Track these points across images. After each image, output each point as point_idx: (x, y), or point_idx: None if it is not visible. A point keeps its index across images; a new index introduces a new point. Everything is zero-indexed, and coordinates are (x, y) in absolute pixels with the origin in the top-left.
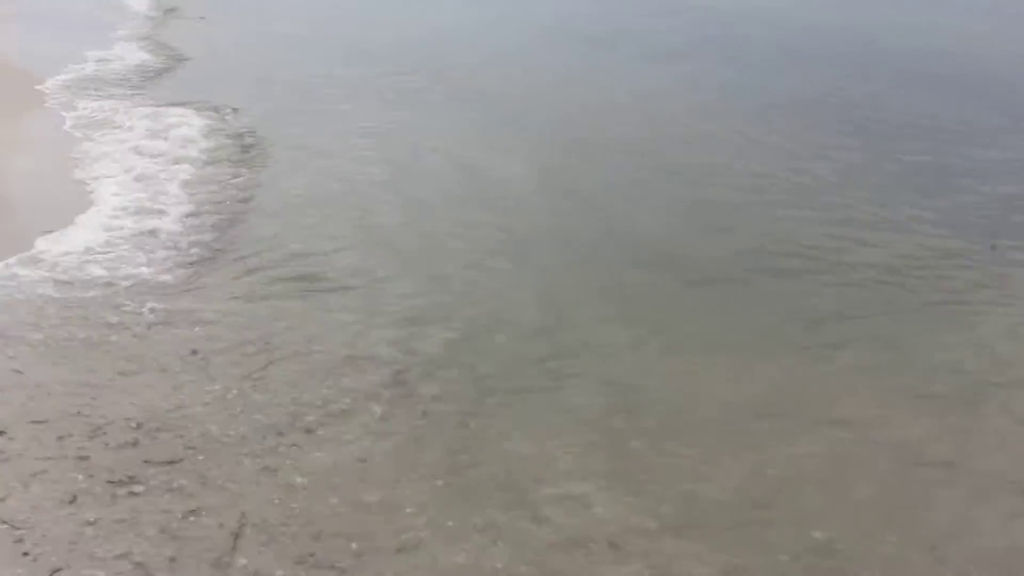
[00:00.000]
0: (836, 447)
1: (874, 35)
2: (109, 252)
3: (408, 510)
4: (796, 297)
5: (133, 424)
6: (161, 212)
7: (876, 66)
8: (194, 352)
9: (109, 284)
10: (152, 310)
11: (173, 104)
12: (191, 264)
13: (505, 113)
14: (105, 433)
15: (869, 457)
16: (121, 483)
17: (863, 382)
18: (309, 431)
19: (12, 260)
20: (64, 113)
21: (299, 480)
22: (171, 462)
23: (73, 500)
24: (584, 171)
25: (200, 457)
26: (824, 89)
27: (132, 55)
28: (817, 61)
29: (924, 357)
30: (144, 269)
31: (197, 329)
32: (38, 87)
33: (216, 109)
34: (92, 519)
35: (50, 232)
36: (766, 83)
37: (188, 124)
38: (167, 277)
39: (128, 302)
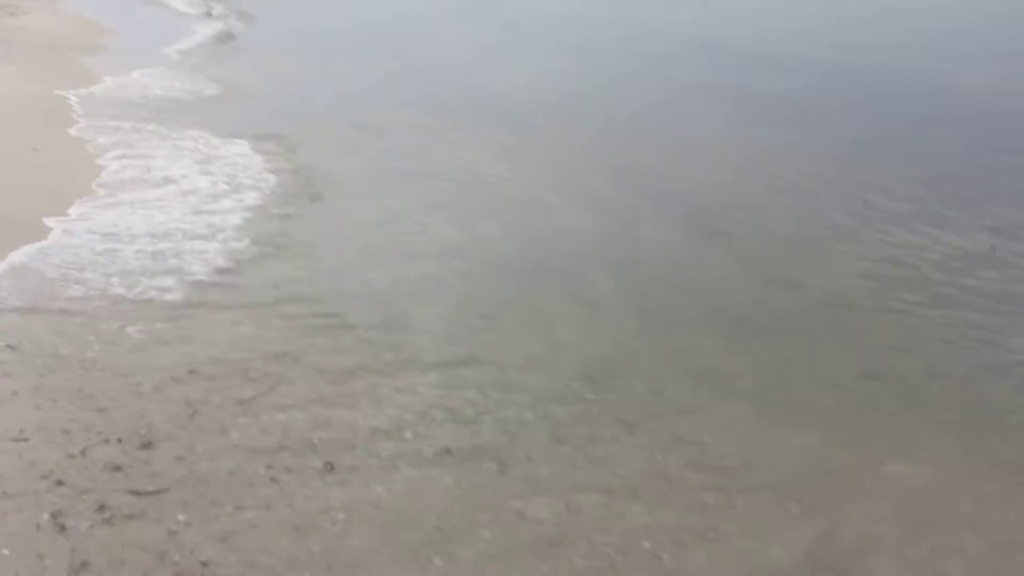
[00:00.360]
0: (913, 512)
1: (923, 84)
2: (122, 269)
3: (437, 562)
4: (878, 345)
5: (121, 446)
6: (188, 237)
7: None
8: (191, 372)
9: (112, 301)
10: (150, 331)
11: (225, 134)
12: (207, 290)
13: (586, 155)
14: (87, 455)
15: (948, 525)
16: (100, 511)
17: (944, 443)
18: (318, 468)
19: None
20: (113, 137)
21: (299, 520)
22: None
23: (61, 530)
24: (668, 216)
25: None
26: (884, 134)
27: (188, 83)
28: (870, 105)
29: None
30: (153, 291)
31: (199, 352)
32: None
33: (270, 141)
34: (67, 554)
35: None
36: (829, 127)
37: (239, 154)
38: (175, 298)
39: (127, 322)
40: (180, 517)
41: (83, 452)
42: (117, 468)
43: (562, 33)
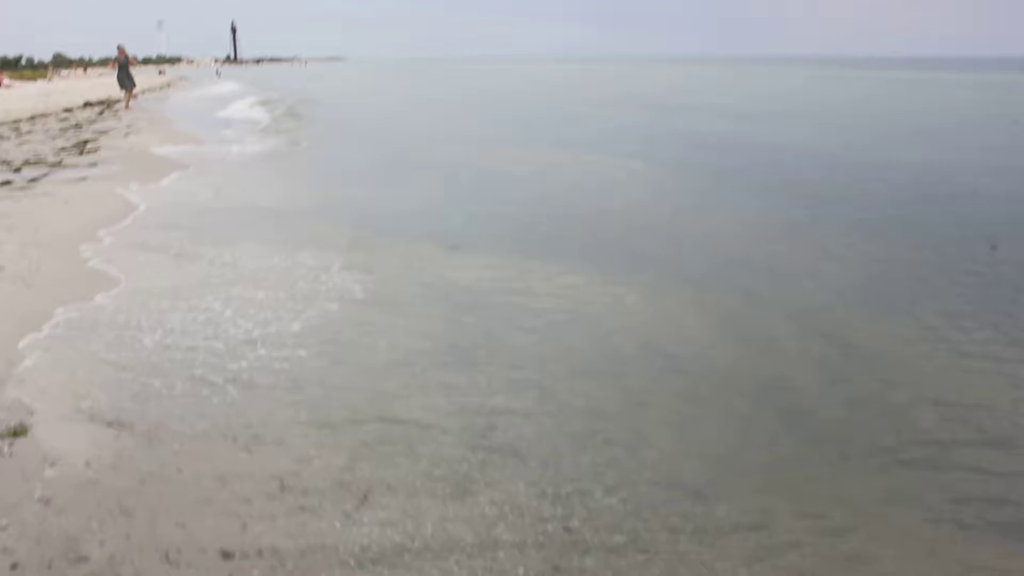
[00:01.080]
0: None
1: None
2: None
3: None
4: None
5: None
6: (237, 340)
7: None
8: (282, 483)
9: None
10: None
11: (297, 246)
12: (271, 397)
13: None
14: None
15: None
16: None
17: None
18: None
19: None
20: (148, 242)
21: None
22: None
23: None
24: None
25: None
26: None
27: (255, 194)
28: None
29: None
30: (206, 389)
31: (280, 465)
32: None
33: (332, 252)
34: None
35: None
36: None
37: (303, 264)
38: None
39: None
40: None
41: None
42: None
43: (650, 149)
